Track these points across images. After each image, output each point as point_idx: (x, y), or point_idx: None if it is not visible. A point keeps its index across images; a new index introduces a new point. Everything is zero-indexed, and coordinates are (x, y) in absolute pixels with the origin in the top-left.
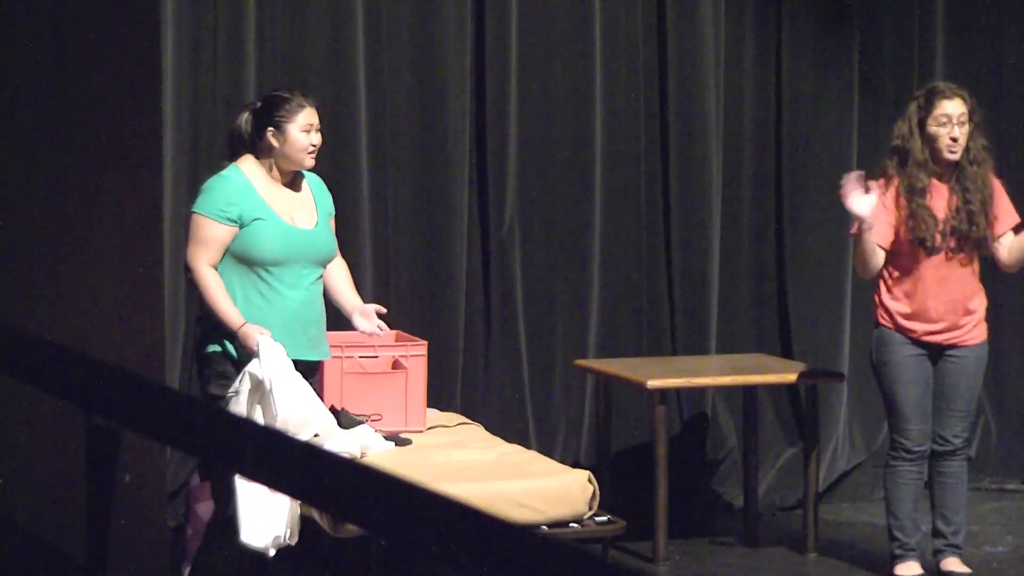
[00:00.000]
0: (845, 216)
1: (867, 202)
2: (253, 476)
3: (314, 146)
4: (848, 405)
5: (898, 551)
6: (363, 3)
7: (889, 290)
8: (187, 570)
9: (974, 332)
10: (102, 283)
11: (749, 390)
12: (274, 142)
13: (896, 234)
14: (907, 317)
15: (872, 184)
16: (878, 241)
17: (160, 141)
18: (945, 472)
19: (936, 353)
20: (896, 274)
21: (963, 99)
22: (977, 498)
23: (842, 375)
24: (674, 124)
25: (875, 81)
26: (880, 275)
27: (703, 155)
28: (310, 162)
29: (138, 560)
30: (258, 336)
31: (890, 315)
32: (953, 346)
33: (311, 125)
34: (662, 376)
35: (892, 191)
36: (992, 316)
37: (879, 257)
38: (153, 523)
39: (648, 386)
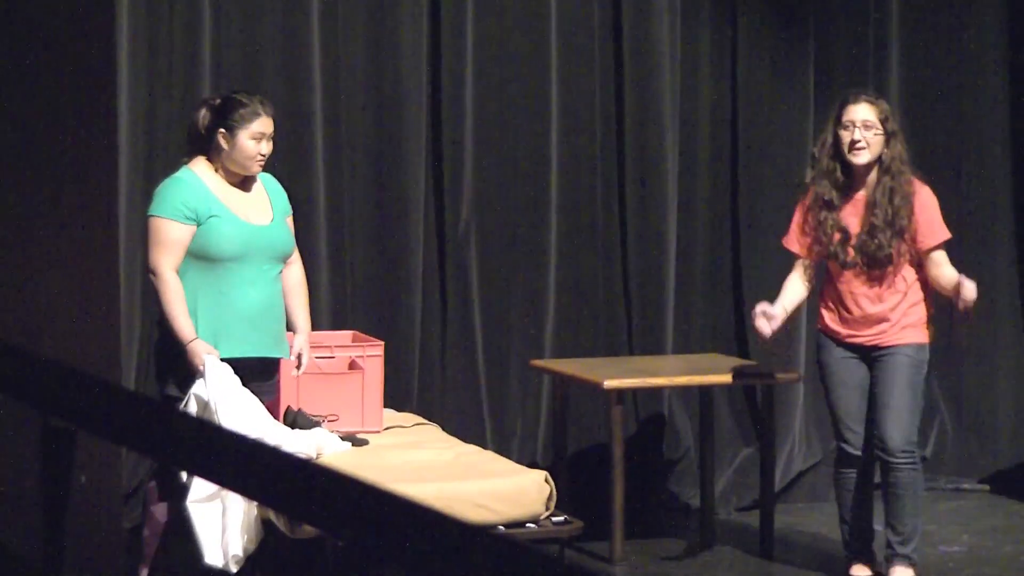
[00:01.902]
0: None
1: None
2: (209, 477)
3: (263, 155)
4: (804, 406)
5: (850, 554)
6: (319, 3)
7: (821, 295)
8: (144, 572)
9: (900, 334)
10: (57, 284)
11: (705, 390)
12: (223, 144)
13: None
14: (833, 321)
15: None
16: (796, 251)
17: (115, 141)
18: (892, 482)
19: (866, 356)
20: (825, 280)
21: (871, 104)
22: (933, 498)
23: (798, 375)
24: (630, 124)
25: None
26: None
27: (659, 155)
28: (256, 169)
29: (94, 561)
30: (205, 356)
31: (823, 319)
32: (877, 347)
33: (262, 134)
34: (618, 376)
35: (806, 201)
36: (951, 319)
37: (800, 288)
38: (109, 524)
39: (604, 386)
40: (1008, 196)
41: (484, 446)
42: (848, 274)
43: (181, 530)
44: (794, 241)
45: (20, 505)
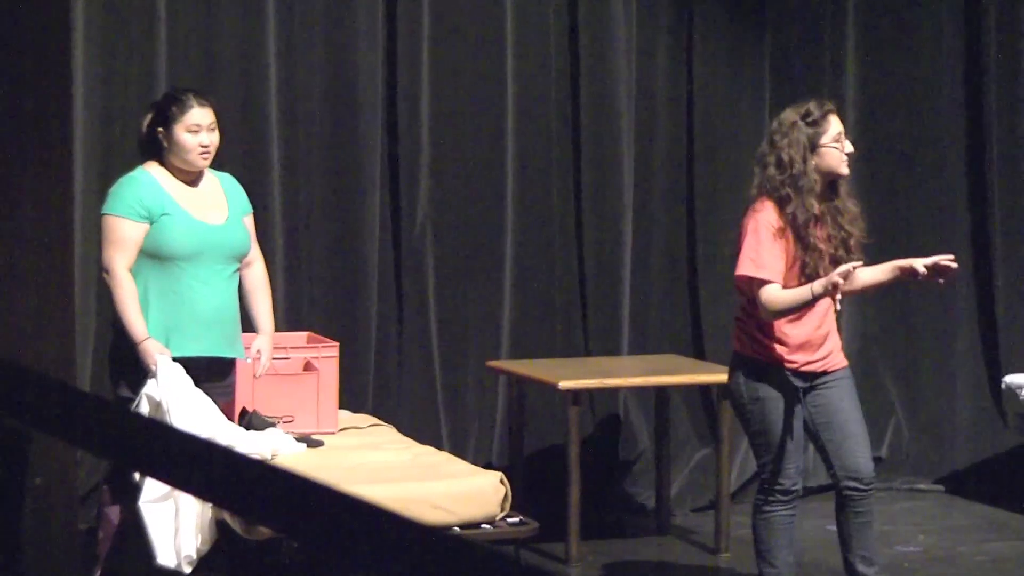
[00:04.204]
0: None
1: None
2: (164, 478)
3: (204, 147)
4: None
5: None
6: (274, 3)
7: (758, 327)
8: (98, 573)
9: (840, 356)
10: (11, 283)
11: (661, 391)
12: (164, 142)
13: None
14: (790, 349)
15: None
16: (776, 280)
17: (71, 140)
18: (861, 511)
19: (808, 385)
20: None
21: (837, 112)
22: (889, 498)
23: None
24: (586, 126)
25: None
26: (746, 308)
27: (615, 157)
28: (201, 163)
29: (49, 563)
30: (156, 355)
31: (767, 348)
32: (825, 372)
33: (199, 126)
34: (574, 377)
35: (779, 222)
36: (907, 320)
37: None
38: (64, 526)
39: (560, 387)
40: (964, 197)
41: (440, 447)
42: None
43: (134, 530)
44: (775, 269)
45: None
